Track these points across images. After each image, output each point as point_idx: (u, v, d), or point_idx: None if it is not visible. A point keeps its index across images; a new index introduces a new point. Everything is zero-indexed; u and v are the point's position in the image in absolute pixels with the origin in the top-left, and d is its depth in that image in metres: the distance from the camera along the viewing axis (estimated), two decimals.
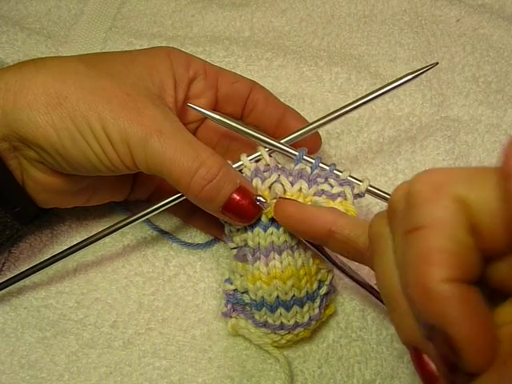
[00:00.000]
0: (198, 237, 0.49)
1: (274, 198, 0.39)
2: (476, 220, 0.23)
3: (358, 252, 0.32)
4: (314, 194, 0.39)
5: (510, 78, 0.58)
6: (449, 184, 0.24)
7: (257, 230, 0.39)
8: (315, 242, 0.38)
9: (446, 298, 0.23)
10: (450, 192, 0.24)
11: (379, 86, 0.42)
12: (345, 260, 0.39)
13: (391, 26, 0.63)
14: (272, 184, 0.39)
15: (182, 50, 0.45)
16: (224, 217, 0.39)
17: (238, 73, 0.47)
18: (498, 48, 0.61)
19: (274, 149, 0.41)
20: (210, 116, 0.41)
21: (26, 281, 0.45)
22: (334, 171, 0.40)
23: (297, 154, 0.40)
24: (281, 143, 0.41)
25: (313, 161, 0.40)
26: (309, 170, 0.40)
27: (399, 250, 0.26)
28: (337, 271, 0.44)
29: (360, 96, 0.42)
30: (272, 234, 0.39)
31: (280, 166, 0.40)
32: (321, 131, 0.47)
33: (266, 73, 0.58)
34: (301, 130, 0.42)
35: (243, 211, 0.38)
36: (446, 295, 0.23)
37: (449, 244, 0.23)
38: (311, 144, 0.45)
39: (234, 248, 0.41)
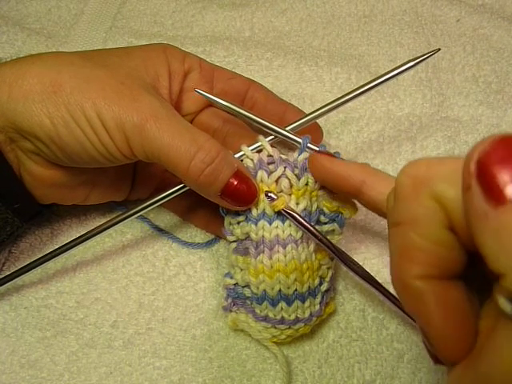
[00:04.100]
0: (198, 236, 0.49)
1: (281, 191, 0.39)
2: (453, 217, 0.23)
3: (384, 213, 0.32)
4: (320, 188, 0.39)
5: (510, 78, 0.58)
6: (429, 180, 0.24)
7: (261, 222, 0.39)
8: (347, 196, 0.38)
9: (419, 295, 0.24)
10: (429, 189, 0.24)
11: (381, 73, 0.41)
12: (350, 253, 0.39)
13: (391, 26, 0.63)
14: (279, 178, 0.39)
15: (182, 49, 0.45)
16: (222, 201, 0.39)
17: (238, 73, 0.47)
18: (498, 48, 0.61)
19: (279, 135, 0.41)
20: (216, 101, 0.41)
21: (26, 281, 0.45)
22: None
23: (301, 141, 0.40)
24: (286, 130, 0.41)
25: (317, 148, 0.40)
26: None
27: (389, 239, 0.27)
28: (342, 268, 0.44)
29: (363, 83, 0.42)
30: (277, 227, 0.39)
31: (284, 157, 0.40)
32: None
33: (266, 73, 0.58)
34: (303, 118, 0.42)
35: (241, 195, 0.38)
36: (419, 292, 0.24)
37: (424, 242, 0.24)
38: (312, 137, 0.45)
39: (234, 241, 0.41)
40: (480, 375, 0.22)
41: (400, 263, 0.25)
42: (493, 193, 0.20)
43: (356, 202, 0.40)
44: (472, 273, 0.25)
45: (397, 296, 0.38)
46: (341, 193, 0.38)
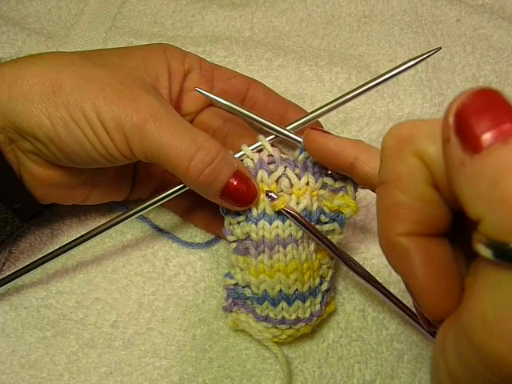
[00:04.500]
0: (198, 236, 0.49)
1: (281, 191, 0.39)
2: (435, 174, 0.24)
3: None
4: (320, 188, 0.39)
5: (510, 78, 0.58)
6: (412, 138, 0.24)
7: (262, 222, 0.39)
8: (341, 172, 0.38)
9: (404, 251, 0.25)
10: (412, 147, 0.24)
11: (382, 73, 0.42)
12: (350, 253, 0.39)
13: (391, 26, 0.63)
14: (279, 178, 0.39)
15: (182, 49, 0.45)
16: (222, 202, 0.39)
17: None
18: (498, 48, 0.61)
19: (279, 135, 0.41)
20: (216, 100, 0.41)
21: (26, 281, 0.45)
22: None
23: (301, 140, 0.40)
24: (286, 129, 0.41)
25: None
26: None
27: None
28: (342, 268, 0.44)
29: (365, 82, 0.42)
30: (277, 227, 0.39)
31: (284, 156, 0.40)
32: None
33: (266, 73, 0.58)
34: (304, 117, 0.42)
35: (241, 195, 0.38)
36: (404, 248, 0.25)
37: (407, 199, 0.24)
38: None
39: (234, 241, 0.41)
40: (462, 327, 0.22)
41: (385, 221, 0.26)
42: (470, 142, 0.20)
43: (356, 202, 0.40)
44: (462, 239, 0.26)
45: (397, 296, 0.39)
46: (335, 169, 0.38)
